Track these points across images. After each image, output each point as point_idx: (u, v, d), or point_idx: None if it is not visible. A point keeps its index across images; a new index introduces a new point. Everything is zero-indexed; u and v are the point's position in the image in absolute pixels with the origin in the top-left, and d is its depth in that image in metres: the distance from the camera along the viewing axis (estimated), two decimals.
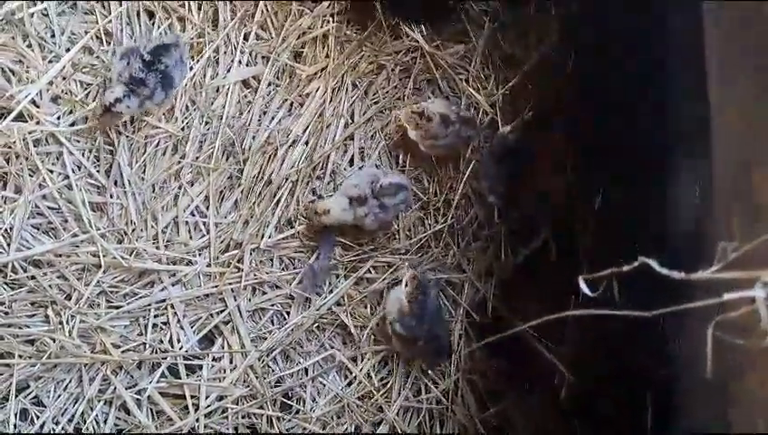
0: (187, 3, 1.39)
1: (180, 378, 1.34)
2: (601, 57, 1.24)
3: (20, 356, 1.28)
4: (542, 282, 1.37)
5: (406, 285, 1.32)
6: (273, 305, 1.40)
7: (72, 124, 1.33)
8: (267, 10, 1.42)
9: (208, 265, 1.36)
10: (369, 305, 1.43)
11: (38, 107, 1.31)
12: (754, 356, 0.72)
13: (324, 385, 1.41)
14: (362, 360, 1.42)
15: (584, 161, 1.38)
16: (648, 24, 1.13)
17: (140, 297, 1.34)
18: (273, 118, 1.40)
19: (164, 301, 1.35)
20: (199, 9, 1.40)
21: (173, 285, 1.35)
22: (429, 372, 1.44)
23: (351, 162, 1.45)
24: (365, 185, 1.33)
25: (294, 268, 1.41)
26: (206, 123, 1.37)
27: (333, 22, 1.42)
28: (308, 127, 1.40)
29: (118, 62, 1.25)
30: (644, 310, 0.77)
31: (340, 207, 1.32)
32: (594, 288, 0.79)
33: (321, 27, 1.42)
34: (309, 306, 1.41)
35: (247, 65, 1.41)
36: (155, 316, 1.35)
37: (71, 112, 1.32)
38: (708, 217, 0.90)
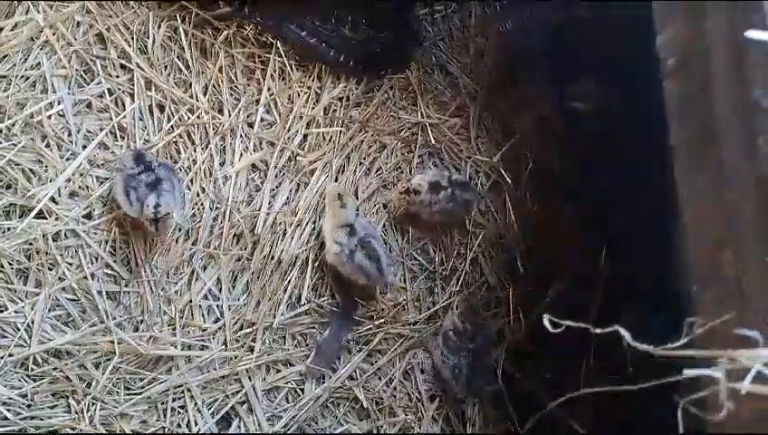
0: (195, 93, 1.46)
1: None
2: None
3: None
4: (554, 343, 1.38)
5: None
6: (287, 383, 1.42)
7: (89, 217, 1.39)
8: (271, 94, 1.49)
9: (225, 349, 1.38)
10: (381, 378, 1.45)
11: (57, 203, 1.37)
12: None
13: None
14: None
15: (586, 220, 1.41)
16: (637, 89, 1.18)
17: (159, 383, 1.36)
18: (280, 199, 1.44)
19: (181, 386, 1.37)
20: (204, 93, 1.47)
21: (189, 370, 1.37)
22: None
23: None
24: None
25: (307, 344, 1.43)
26: (216, 208, 1.42)
27: (341, 106, 1.49)
28: (315, 206, 1.45)
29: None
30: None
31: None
32: (557, 326, 0.77)
33: (326, 114, 1.48)
34: (323, 382, 1.42)
35: (254, 150, 1.46)
36: (173, 400, 1.37)
37: (88, 207, 1.38)
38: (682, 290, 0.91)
